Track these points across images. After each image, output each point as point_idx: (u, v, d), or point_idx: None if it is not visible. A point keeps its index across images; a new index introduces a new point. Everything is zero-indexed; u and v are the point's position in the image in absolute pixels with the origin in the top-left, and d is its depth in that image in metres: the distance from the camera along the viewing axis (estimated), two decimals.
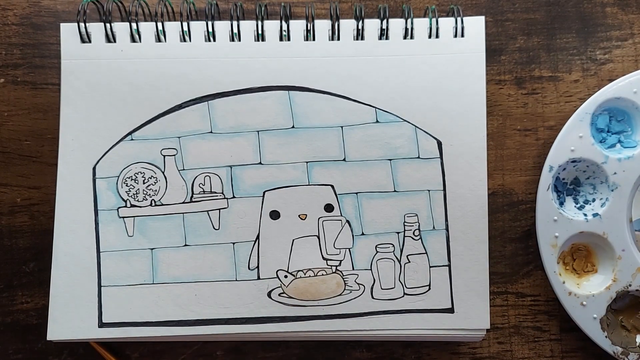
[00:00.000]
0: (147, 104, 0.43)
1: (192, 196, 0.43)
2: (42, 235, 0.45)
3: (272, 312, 0.42)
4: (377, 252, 0.43)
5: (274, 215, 0.43)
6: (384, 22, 0.43)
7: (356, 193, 0.43)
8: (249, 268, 0.43)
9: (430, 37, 0.43)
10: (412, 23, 0.43)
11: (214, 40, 0.43)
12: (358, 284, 0.43)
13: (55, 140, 0.43)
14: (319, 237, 0.43)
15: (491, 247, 0.45)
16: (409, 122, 0.43)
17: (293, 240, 0.43)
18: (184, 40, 0.43)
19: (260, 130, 0.43)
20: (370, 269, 0.43)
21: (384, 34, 0.43)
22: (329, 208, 0.43)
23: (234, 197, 0.43)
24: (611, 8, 0.46)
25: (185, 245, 0.43)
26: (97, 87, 0.43)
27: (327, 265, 0.43)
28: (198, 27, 0.43)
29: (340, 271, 0.43)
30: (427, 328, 0.42)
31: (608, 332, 0.43)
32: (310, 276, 0.42)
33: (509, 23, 0.46)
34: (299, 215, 0.43)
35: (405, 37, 0.43)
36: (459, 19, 0.43)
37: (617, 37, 0.46)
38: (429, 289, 0.42)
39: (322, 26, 0.43)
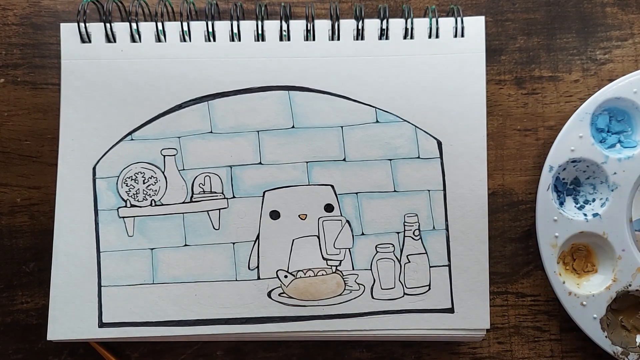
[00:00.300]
0: (147, 104, 0.43)
1: (192, 196, 0.43)
2: (42, 235, 0.45)
3: (272, 312, 0.42)
4: (377, 252, 0.43)
5: (274, 215, 0.43)
6: (384, 22, 0.43)
7: (356, 193, 0.43)
8: (249, 268, 0.43)
9: (430, 37, 0.43)
10: (412, 23, 0.43)
11: (214, 40, 0.43)
12: (358, 284, 0.43)
13: (55, 140, 0.43)
14: (319, 237, 0.43)
15: (491, 247, 0.45)
16: (409, 122, 0.43)
17: (293, 240, 0.43)
18: (184, 40, 0.43)
19: (260, 130, 0.43)
20: (370, 269, 0.43)
21: (384, 34, 0.43)
22: (329, 208, 0.43)
23: (234, 197, 0.43)
24: (611, 8, 0.46)
25: (185, 245, 0.43)
26: (97, 87, 0.43)
27: (327, 265, 0.43)
28: (198, 27, 0.43)
29: (340, 271, 0.43)
30: (427, 328, 0.42)
31: (608, 332, 0.43)
32: (310, 276, 0.42)
33: (509, 23, 0.46)
34: (299, 215, 0.43)
35: (405, 37, 0.43)
36: (459, 19, 0.43)
37: (617, 37, 0.46)
38: (429, 289, 0.42)
39: (322, 26, 0.43)
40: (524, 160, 0.46)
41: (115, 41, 0.43)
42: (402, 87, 0.43)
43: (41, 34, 0.46)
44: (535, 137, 0.46)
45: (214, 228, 0.43)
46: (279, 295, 0.42)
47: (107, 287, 0.42)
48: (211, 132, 0.43)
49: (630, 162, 0.43)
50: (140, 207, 0.43)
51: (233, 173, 0.43)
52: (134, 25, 0.43)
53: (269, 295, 0.42)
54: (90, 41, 0.43)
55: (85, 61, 0.43)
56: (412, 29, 0.43)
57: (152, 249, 0.43)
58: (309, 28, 0.43)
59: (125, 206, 0.43)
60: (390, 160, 0.43)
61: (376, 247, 0.43)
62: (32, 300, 0.45)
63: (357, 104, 0.43)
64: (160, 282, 0.42)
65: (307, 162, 0.43)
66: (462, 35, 0.43)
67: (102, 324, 0.42)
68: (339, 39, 0.43)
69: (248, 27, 0.43)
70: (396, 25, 0.43)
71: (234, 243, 0.43)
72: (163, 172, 0.43)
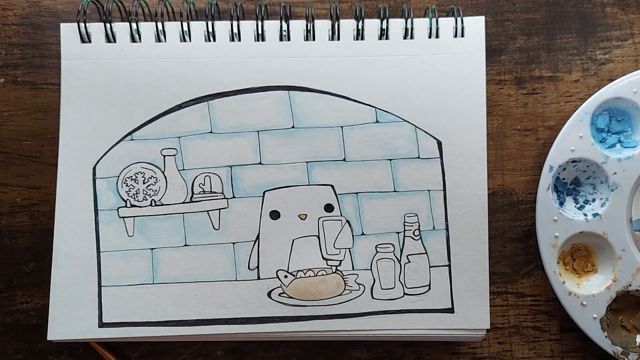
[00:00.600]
0: (147, 104, 0.43)
1: (192, 196, 0.43)
2: (42, 235, 0.45)
3: (272, 312, 0.42)
4: (377, 252, 0.43)
5: (274, 215, 0.43)
6: (384, 22, 0.43)
7: (356, 193, 0.43)
8: (249, 268, 0.43)
9: (430, 37, 0.43)
10: (412, 23, 0.43)
11: (214, 40, 0.43)
12: (358, 284, 0.43)
13: (55, 140, 0.43)
14: (319, 237, 0.43)
15: (491, 247, 0.45)
16: (409, 122, 0.43)
17: (293, 240, 0.43)
18: (184, 40, 0.43)
19: (260, 130, 0.43)
20: (370, 269, 0.43)
21: (384, 34, 0.43)
22: (329, 208, 0.43)
23: (234, 197, 0.43)
24: (611, 8, 0.46)
25: (185, 245, 0.43)
26: (97, 87, 0.43)
27: (327, 265, 0.43)
28: (198, 27, 0.43)
29: (340, 271, 0.43)
30: (427, 328, 0.42)
31: (608, 332, 0.43)
32: (310, 276, 0.42)
33: (509, 23, 0.46)
34: (299, 215, 0.43)
35: (405, 37, 0.43)
36: (459, 19, 0.43)
37: (617, 37, 0.46)
38: (429, 289, 0.42)
39: (322, 26, 0.43)
40: (524, 160, 0.46)
41: (115, 41, 0.43)
42: (402, 87, 0.43)
43: (41, 34, 0.46)
44: (535, 137, 0.46)
45: (214, 228, 0.43)
46: (279, 295, 0.42)
47: (107, 287, 0.42)
48: (211, 132, 0.43)
49: (630, 162, 0.43)
50: (140, 207, 0.43)
51: (233, 173, 0.43)
52: (134, 25, 0.43)
53: (269, 295, 0.42)
54: (90, 41, 0.43)
55: (85, 61, 0.43)
56: (412, 29, 0.43)
57: (152, 249, 0.43)
58: (309, 28, 0.43)
59: (125, 206, 0.43)
60: (390, 160, 0.43)
61: (376, 247, 0.43)
62: (32, 300, 0.45)
63: (357, 104, 0.43)
64: (160, 282, 0.42)
65: (307, 162, 0.43)
66: (462, 35, 0.43)
67: (102, 324, 0.42)
68: (339, 39, 0.43)
69: (248, 27, 0.43)
70: (396, 25, 0.43)
71: (234, 243, 0.43)
72: (163, 172, 0.43)
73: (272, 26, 0.43)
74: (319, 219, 0.43)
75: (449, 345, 0.45)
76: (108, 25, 0.43)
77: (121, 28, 0.43)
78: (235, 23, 0.43)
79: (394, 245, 0.43)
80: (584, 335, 0.43)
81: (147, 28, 0.43)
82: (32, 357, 0.45)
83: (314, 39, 0.43)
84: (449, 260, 0.43)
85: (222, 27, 0.43)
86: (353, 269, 0.43)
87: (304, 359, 0.45)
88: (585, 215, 0.44)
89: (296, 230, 0.43)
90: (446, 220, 0.43)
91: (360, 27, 0.43)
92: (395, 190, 0.43)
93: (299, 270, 0.43)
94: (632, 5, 0.46)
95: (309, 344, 0.45)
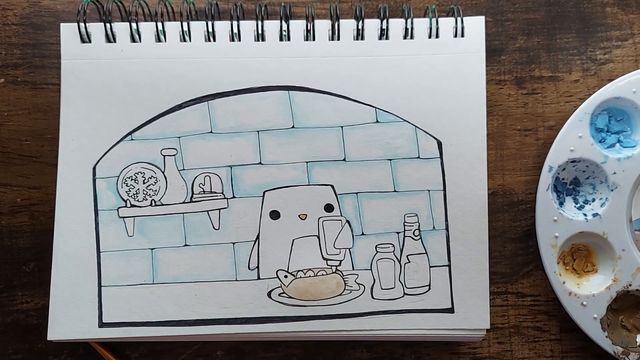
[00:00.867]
0: (147, 104, 0.43)
1: (192, 196, 0.43)
2: (42, 235, 0.45)
3: (272, 312, 0.42)
4: (377, 252, 0.43)
5: (274, 215, 0.43)
6: (384, 22, 0.43)
7: (356, 193, 0.43)
8: (249, 268, 0.43)
9: (430, 37, 0.43)
10: (412, 23, 0.43)
11: (214, 40, 0.43)
12: (358, 284, 0.43)
13: (55, 140, 0.43)
14: (319, 237, 0.43)
15: (491, 247, 0.45)
16: (409, 122, 0.43)
17: (293, 240, 0.43)
18: (184, 40, 0.43)
19: (260, 130, 0.43)
20: (370, 269, 0.43)
21: (384, 34, 0.43)
22: (329, 208, 0.43)
23: (234, 197, 0.43)
24: (611, 8, 0.46)
25: (185, 245, 0.43)
26: (97, 87, 0.43)
27: (327, 265, 0.43)
28: (198, 27, 0.43)
29: (340, 271, 0.43)
30: (427, 328, 0.42)
31: (608, 332, 0.43)
32: (310, 276, 0.42)
33: (509, 23, 0.46)
34: (299, 215, 0.43)
35: (405, 37, 0.43)
36: (459, 19, 0.43)
37: (617, 37, 0.46)
38: (429, 289, 0.42)
39: (322, 26, 0.43)
40: (524, 160, 0.46)
41: (115, 41, 0.43)
42: (402, 87, 0.43)
43: (41, 34, 0.46)
44: (535, 137, 0.46)
45: (214, 228, 0.43)
46: (279, 295, 0.42)
47: (107, 287, 0.42)
48: (211, 132, 0.43)
49: (629, 161, 0.43)
50: (140, 207, 0.43)
51: (233, 173, 0.43)
52: (134, 25, 0.43)
53: (269, 295, 0.42)
54: (90, 41, 0.43)
55: (85, 61, 0.43)
56: (412, 29, 0.43)
57: (152, 249, 0.43)
58: (309, 28, 0.43)
59: (125, 206, 0.43)
60: (390, 160, 0.43)
61: (376, 247, 0.43)
62: (32, 300, 0.45)
63: (357, 104, 0.43)
64: (160, 282, 0.42)
65: (307, 162, 0.43)
66: (462, 35, 0.43)
67: (102, 324, 0.42)
68: (339, 39, 0.43)
69: (248, 27, 0.43)
70: (396, 25, 0.43)
71: (234, 243, 0.43)
72: (163, 172, 0.43)
73: (272, 26, 0.43)
74: (319, 219, 0.43)
75: (449, 345, 0.45)
76: (108, 25, 0.43)
77: (121, 28, 0.43)
78: (235, 23, 0.43)
79: (394, 245, 0.43)
80: (584, 335, 0.43)
81: (147, 28, 0.43)
82: (32, 357, 0.45)
83: (314, 39, 0.43)
84: (449, 260, 0.43)
85: (222, 27, 0.43)
86: (353, 269, 0.43)
87: (304, 359, 0.45)
88: (585, 215, 0.44)
89: (296, 230, 0.43)
90: (446, 220, 0.43)
91: (360, 27, 0.43)
92: (395, 190, 0.43)
93: (299, 270, 0.43)
94: (632, 5, 0.46)
95: (309, 344, 0.45)
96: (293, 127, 0.43)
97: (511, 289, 0.45)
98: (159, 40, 0.43)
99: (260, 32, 0.43)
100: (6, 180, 0.45)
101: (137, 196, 0.43)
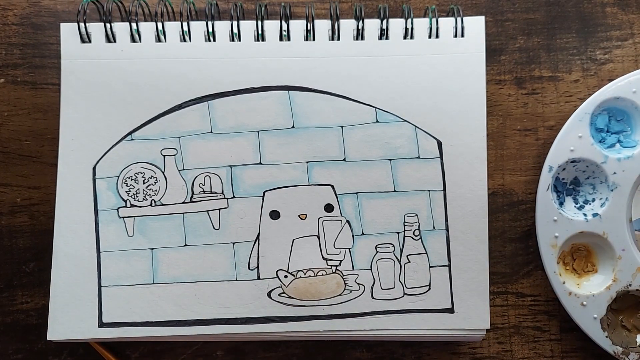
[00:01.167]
0: (147, 104, 0.43)
1: (192, 196, 0.43)
2: (42, 235, 0.45)
3: (272, 312, 0.42)
4: (377, 252, 0.43)
5: (274, 215, 0.43)
6: (384, 22, 0.43)
7: (356, 193, 0.43)
8: (249, 268, 0.43)
9: (430, 37, 0.43)
10: (412, 23, 0.43)
11: (214, 40, 0.43)
12: (358, 284, 0.43)
13: (55, 140, 0.43)
14: (319, 237, 0.43)
15: (491, 247, 0.45)
16: (409, 122, 0.43)
17: (293, 240, 0.43)
18: (184, 40, 0.43)
19: (260, 130, 0.43)
20: (370, 269, 0.43)
21: (384, 34, 0.43)
22: (329, 208, 0.43)
23: (234, 197, 0.43)
24: (611, 8, 0.46)
25: (185, 245, 0.43)
26: (97, 87, 0.43)
27: (327, 265, 0.43)
28: (198, 27, 0.43)
29: (340, 271, 0.43)
30: (427, 328, 0.42)
31: (608, 332, 0.43)
32: (310, 276, 0.42)
33: (509, 23, 0.46)
34: (299, 215, 0.43)
35: (405, 37, 0.43)
36: (459, 19, 0.43)
37: (617, 37, 0.46)
38: (429, 289, 0.42)
39: (322, 26, 0.43)
40: (524, 160, 0.46)
41: (115, 41, 0.43)
42: (402, 87, 0.43)
43: (41, 34, 0.46)
44: (535, 137, 0.46)
45: (214, 228, 0.43)
46: (279, 295, 0.42)
47: (107, 287, 0.42)
48: (211, 132, 0.43)
49: (629, 161, 0.43)
50: (140, 207, 0.43)
51: (233, 173, 0.43)
52: (134, 25, 0.43)
53: (269, 295, 0.42)
54: (90, 41, 0.43)
55: (85, 61, 0.43)
56: (412, 29, 0.43)
57: (152, 249, 0.43)
58: (309, 28, 0.43)
59: (125, 206, 0.43)
60: (390, 160, 0.43)
61: (376, 247, 0.43)
62: (32, 300, 0.45)
63: (357, 104, 0.43)
64: (160, 282, 0.42)
65: (307, 162, 0.43)
66: (462, 35, 0.43)
67: (102, 324, 0.42)
68: (339, 39, 0.43)
69: (248, 27, 0.43)
70: (396, 25, 0.43)
71: (234, 243, 0.43)
72: (163, 172, 0.43)
73: (272, 26, 0.43)
74: (319, 219, 0.43)
75: (449, 345, 0.45)
76: (108, 25, 0.43)
77: (121, 28, 0.43)
78: (235, 23, 0.43)
79: (394, 245, 0.43)
80: (584, 335, 0.43)
81: (147, 28, 0.43)
82: (32, 357, 0.45)
83: (314, 39, 0.43)
84: (449, 260, 0.43)
85: (222, 27, 0.43)
86: (353, 269, 0.43)
87: (304, 359, 0.45)
88: (585, 215, 0.44)
89: (296, 230, 0.43)
90: (446, 220, 0.43)
91: (360, 27, 0.43)
92: (395, 190, 0.43)
93: (299, 270, 0.43)
94: (632, 5, 0.46)
95: (309, 344, 0.45)
96: (293, 127, 0.43)
97: (511, 289, 0.45)
98: (159, 40, 0.43)
99: (260, 32, 0.43)
100: (6, 180, 0.45)
101: (137, 196, 0.43)
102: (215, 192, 0.43)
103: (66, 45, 0.43)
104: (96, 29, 0.43)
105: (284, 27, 0.43)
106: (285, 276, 0.42)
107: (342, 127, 0.43)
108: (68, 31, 0.43)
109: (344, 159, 0.43)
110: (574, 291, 0.43)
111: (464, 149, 0.43)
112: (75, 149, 0.43)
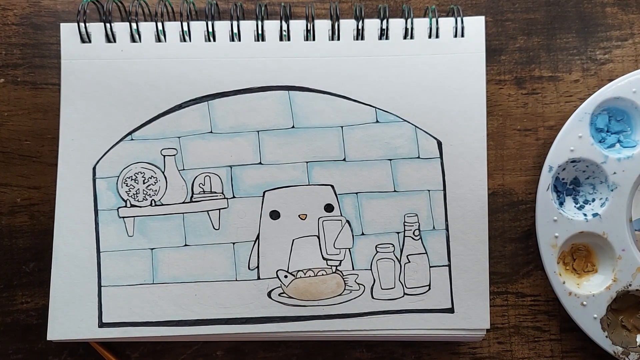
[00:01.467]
0: (147, 104, 0.43)
1: (192, 196, 0.43)
2: (42, 235, 0.45)
3: (272, 312, 0.42)
4: (377, 252, 0.43)
5: (274, 215, 0.43)
6: (384, 22, 0.43)
7: (356, 193, 0.43)
8: (249, 268, 0.43)
9: (430, 37, 0.43)
10: (412, 23, 0.43)
11: (214, 40, 0.43)
12: (358, 284, 0.43)
13: (55, 140, 0.43)
14: (319, 237, 0.43)
15: (491, 247, 0.45)
16: (409, 122, 0.43)
17: (293, 240, 0.43)
18: (184, 40, 0.43)
19: (260, 130, 0.43)
20: (370, 269, 0.43)
21: (384, 34, 0.43)
22: (329, 208, 0.43)
23: (234, 197, 0.43)
24: (611, 8, 0.46)
25: (185, 245, 0.43)
26: (97, 87, 0.43)
27: (327, 265, 0.43)
28: (198, 27, 0.43)
29: (340, 271, 0.43)
30: (427, 328, 0.42)
31: (608, 332, 0.43)
32: (310, 276, 0.42)
33: (509, 23, 0.46)
34: (299, 215, 0.43)
35: (405, 37, 0.43)
36: (459, 19, 0.43)
37: (617, 37, 0.46)
38: (429, 289, 0.42)
39: (322, 26, 0.43)
40: (524, 160, 0.46)
41: (115, 41, 0.43)
42: (402, 87, 0.43)
43: (41, 34, 0.46)
44: (535, 137, 0.46)
45: (214, 228, 0.43)
46: (279, 295, 0.42)
47: (107, 287, 0.42)
48: (211, 132, 0.43)
49: (629, 161, 0.43)
50: (140, 207, 0.43)
51: (233, 173, 0.43)
52: (134, 25, 0.43)
53: (269, 295, 0.42)
54: (90, 41, 0.43)
55: (85, 61, 0.43)
56: (412, 29, 0.43)
57: (152, 249, 0.43)
58: (309, 28, 0.43)
59: (125, 206, 0.43)
60: (390, 160, 0.43)
61: (376, 247, 0.43)
62: (32, 300, 0.45)
63: (357, 104, 0.43)
64: (160, 282, 0.42)
65: (307, 162, 0.43)
66: (462, 35, 0.43)
67: (102, 324, 0.42)
68: (339, 39, 0.43)
69: (248, 27, 0.43)
70: (396, 25, 0.43)
71: (234, 243, 0.43)
72: (163, 172, 0.43)
73: (272, 26, 0.43)
74: (319, 219, 0.43)
75: (449, 345, 0.45)
76: (108, 25, 0.43)
77: (121, 28, 0.43)
78: (235, 23, 0.43)
79: (394, 245, 0.43)
80: (584, 335, 0.43)
81: (147, 28, 0.43)
82: (32, 357, 0.45)
83: (314, 39, 0.43)
84: (449, 260, 0.43)
85: (222, 27, 0.43)
86: (353, 269, 0.43)
87: (304, 359, 0.45)
88: (585, 215, 0.44)
89: (296, 230, 0.43)
90: (446, 220, 0.43)
91: (360, 27, 0.43)
92: (395, 190, 0.43)
93: (299, 270, 0.43)
94: (632, 5, 0.46)
95: (309, 344, 0.45)
96: (293, 127, 0.43)
97: (511, 289, 0.45)
98: (159, 40, 0.43)
99: (260, 32, 0.43)
100: (6, 180, 0.45)
101: (137, 196, 0.43)
102: (215, 192, 0.43)
103: (66, 45, 0.43)
104: (96, 29, 0.43)
105: (284, 27, 0.43)
106: (285, 276, 0.42)
107: (342, 127, 0.43)
108: (68, 31, 0.43)
109: (344, 159, 0.43)
110: (574, 291, 0.43)
111: (464, 149, 0.43)
112: (75, 149, 0.43)
